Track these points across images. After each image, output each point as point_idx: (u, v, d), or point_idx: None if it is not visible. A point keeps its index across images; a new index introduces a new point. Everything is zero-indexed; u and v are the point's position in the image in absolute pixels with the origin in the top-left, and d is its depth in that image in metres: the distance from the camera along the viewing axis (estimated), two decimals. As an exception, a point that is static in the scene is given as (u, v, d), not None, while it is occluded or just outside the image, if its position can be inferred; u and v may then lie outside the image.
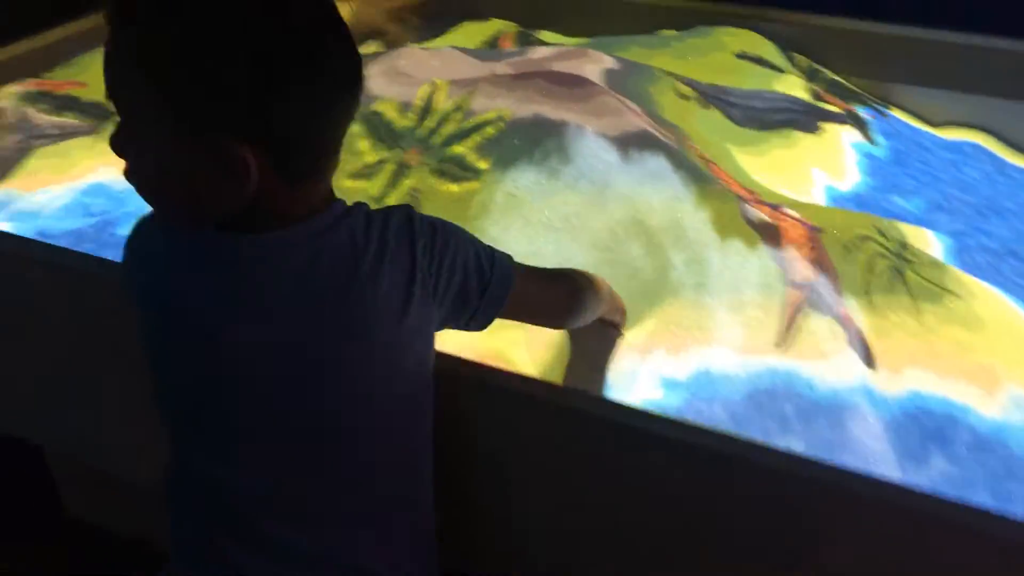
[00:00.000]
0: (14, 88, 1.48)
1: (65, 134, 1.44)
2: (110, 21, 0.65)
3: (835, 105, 1.62)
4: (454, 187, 1.16)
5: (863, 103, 1.66)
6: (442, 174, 1.18)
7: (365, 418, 0.75)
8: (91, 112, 1.51)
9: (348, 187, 1.22)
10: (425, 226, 0.76)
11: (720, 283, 1.07)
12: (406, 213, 0.76)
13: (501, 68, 1.34)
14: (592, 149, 1.16)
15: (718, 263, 1.09)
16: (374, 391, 0.75)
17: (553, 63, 1.34)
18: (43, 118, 1.45)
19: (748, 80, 1.57)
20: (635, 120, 1.20)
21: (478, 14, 1.94)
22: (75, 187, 1.38)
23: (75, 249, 1.10)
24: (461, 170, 1.18)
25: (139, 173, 0.69)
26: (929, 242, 1.26)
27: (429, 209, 1.15)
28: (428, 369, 0.78)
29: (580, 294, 0.92)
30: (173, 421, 0.78)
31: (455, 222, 0.99)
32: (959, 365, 1.03)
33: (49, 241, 1.18)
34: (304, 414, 0.73)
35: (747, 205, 1.15)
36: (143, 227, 0.77)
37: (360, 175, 1.23)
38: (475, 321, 0.81)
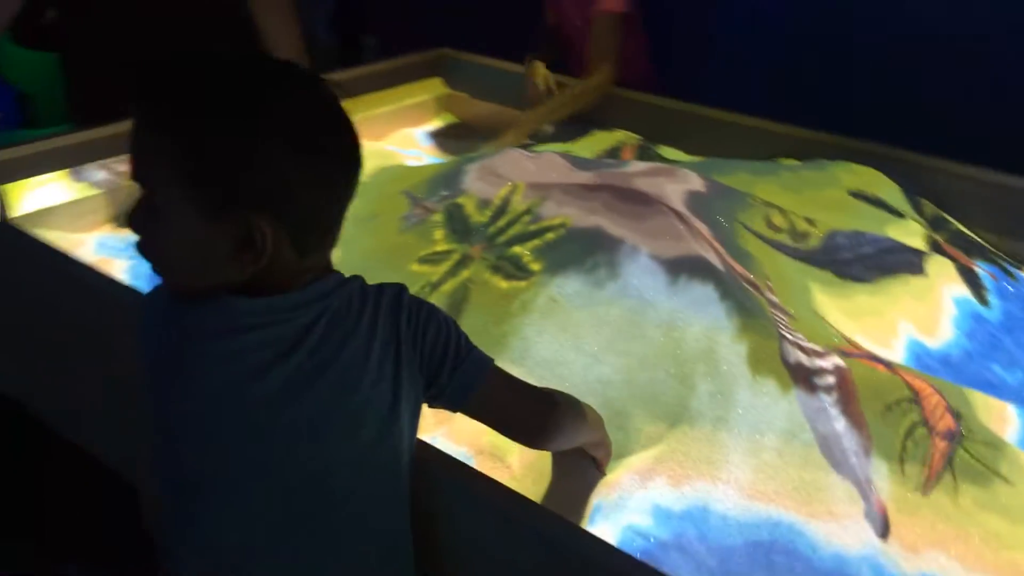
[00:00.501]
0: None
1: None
2: (138, 107, 0.73)
3: (953, 257, 1.53)
4: (504, 284, 1.21)
5: (990, 260, 1.56)
6: (496, 270, 1.23)
7: (351, 477, 0.80)
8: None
9: (414, 270, 1.30)
10: (413, 303, 0.82)
11: (741, 421, 1.04)
12: (398, 289, 0.83)
13: (586, 178, 1.39)
14: (641, 268, 1.18)
15: (744, 400, 1.06)
16: (362, 448, 0.79)
17: (638, 179, 1.37)
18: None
19: (858, 220, 1.52)
20: (693, 245, 1.21)
21: (610, 124, 2.01)
22: None
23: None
24: (515, 269, 1.22)
25: (155, 247, 0.75)
26: (1006, 419, 1.16)
27: (476, 301, 1.21)
28: (410, 437, 0.83)
29: (557, 416, 0.91)
30: (174, 484, 0.82)
31: (497, 317, 1.09)
32: (990, 559, 0.93)
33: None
34: (300, 470, 0.78)
35: (790, 346, 1.11)
36: (154, 297, 0.82)
37: (427, 260, 1.30)
38: (441, 400, 0.84)
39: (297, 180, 0.72)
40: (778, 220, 1.45)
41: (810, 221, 1.47)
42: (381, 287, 0.82)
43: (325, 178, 0.75)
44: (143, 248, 0.76)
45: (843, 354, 1.15)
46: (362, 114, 2.05)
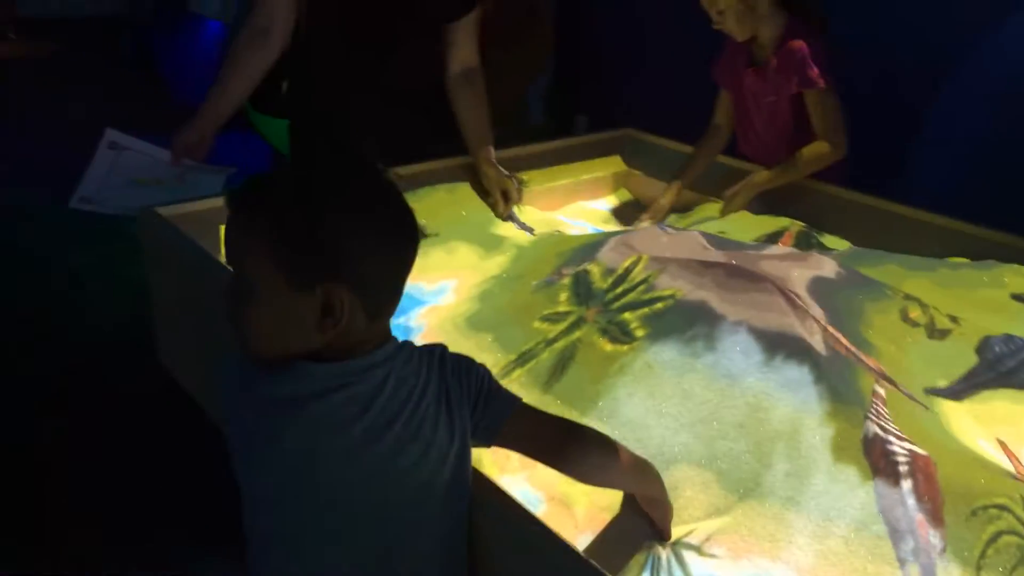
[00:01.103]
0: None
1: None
2: (233, 206, 0.87)
3: None
4: (608, 346, 1.28)
5: None
6: (604, 333, 1.31)
7: (422, 509, 0.92)
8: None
9: (535, 327, 1.41)
10: (453, 358, 0.97)
11: (812, 504, 1.04)
12: (441, 349, 0.97)
13: (714, 256, 1.44)
14: (738, 344, 1.21)
15: (819, 484, 1.05)
16: (431, 486, 0.91)
17: (766, 261, 1.40)
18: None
19: (1012, 324, 1.44)
20: (796, 326, 1.22)
21: (783, 209, 2.01)
22: None
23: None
24: (621, 333, 1.30)
25: (247, 319, 0.87)
26: None
27: (580, 359, 1.29)
28: (466, 468, 0.95)
29: (582, 443, 0.98)
30: (265, 535, 0.94)
31: (595, 376, 1.20)
32: None
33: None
34: (375, 514, 0.90)
35: (877, 437, 1.09)
36: (231, 369, 0.93)
37: (548, 319, 1.41)
38: (477, 433, 0.95)
39: (366, 254, 0.86)
40: (916, 314, 1.41)
41: (954, 319, 1.41)
42: (430, 349, 0.96)
43: (390, 250, 0.89)
44: (235, 320, 0.88)
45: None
46: (543, 185, 2.22)
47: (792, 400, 1.14)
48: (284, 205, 0.85)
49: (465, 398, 0.94)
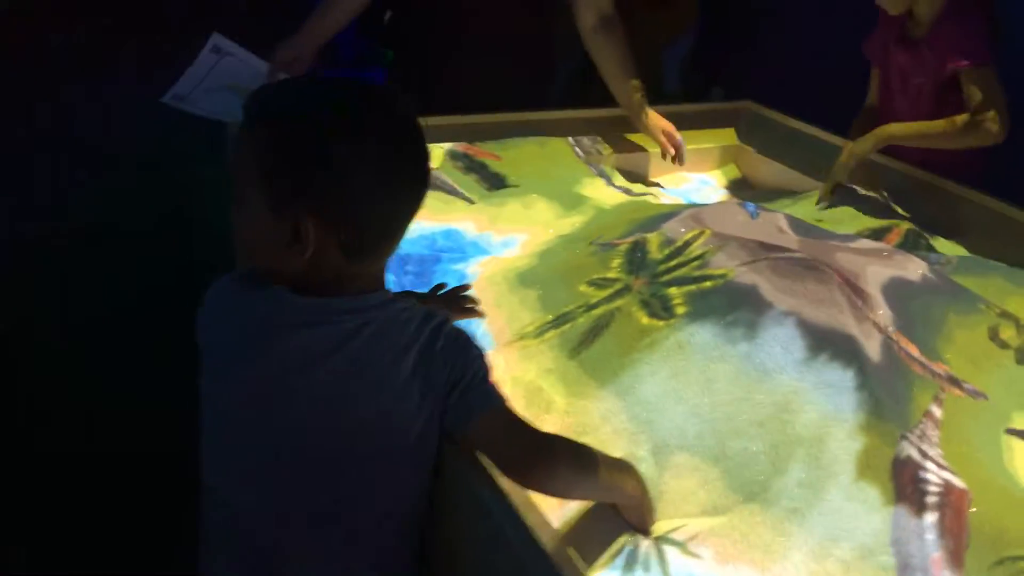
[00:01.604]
0: (448, 145, 1.92)
1: (455, 190, 1.80)
2: (247, 123, 0.86)
3: None
4: (645, 320, 1.21)
5: None
6: (645, 305, 1.24)
7: (374, 470, 0.90)
8: (487, 179, 1.86)
9: (581, 290, 1.35)
10: (451, 333, 0.91)
11: (818, 520, 0.94)
12: (441, 319, 0.92)
13: (789, 241, 1.33)
14: (780, 337, 1.11)
15: (832, 501, 0.96)
16: (389, 450, 0.89)
17: (843, 253, 1.28)
18: (448, 170, 1.85)
19: None
20: (850, 325, 1.10)
21: (901, 206, 1.84)
22: (437, 226, 1.73)
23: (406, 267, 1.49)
24: (661, 308, 1.22)
25: (238, 229, 0.88)
26: None
27: (614, 329, 1.22)
28: (428, 445, 0.91)
29: (552, 462, 0.90)
30: (215, 456, 0.93)
31: (624, 349, 1.14)
32: None
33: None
34: (326, 461, 0.89)
35: (911, 461, 0.97)
36: (220, 287, 0.93)
37: (595, 283, 1.34)
38: (451, 420, 0.90)
39: (352, 191, 0.82)
40: (1008, 334, 1.25)
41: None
42: (429, 314, 0.91)
43: (383, 194, 0.85)
44: (236, 236, 0.89)
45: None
46: (648, 151, 2.13)
47: (825, 405, 1.03)
48: (278, 125, 0.84)
49: (443, 378, 0.89)
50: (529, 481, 0.88)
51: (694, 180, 2.23)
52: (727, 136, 2.32)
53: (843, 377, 1.06)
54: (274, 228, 0.83)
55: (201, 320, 0.94)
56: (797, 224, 1.45)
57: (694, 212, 1.46)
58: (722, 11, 3.93)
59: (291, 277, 0.87)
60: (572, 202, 1.82)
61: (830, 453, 0.99)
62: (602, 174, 1.96)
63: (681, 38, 3.81)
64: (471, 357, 0.91)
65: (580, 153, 2.00)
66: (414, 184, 0.88)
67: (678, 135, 1.97)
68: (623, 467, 0.97)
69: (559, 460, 0.90)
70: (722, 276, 1.22)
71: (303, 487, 0.89)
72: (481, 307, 1.33)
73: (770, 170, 2.15)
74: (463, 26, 2.08)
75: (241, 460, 0.90)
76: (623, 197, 1.88)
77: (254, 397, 0.88)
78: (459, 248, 1.67)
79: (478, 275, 1.54)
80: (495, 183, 1.86)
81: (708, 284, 1.22)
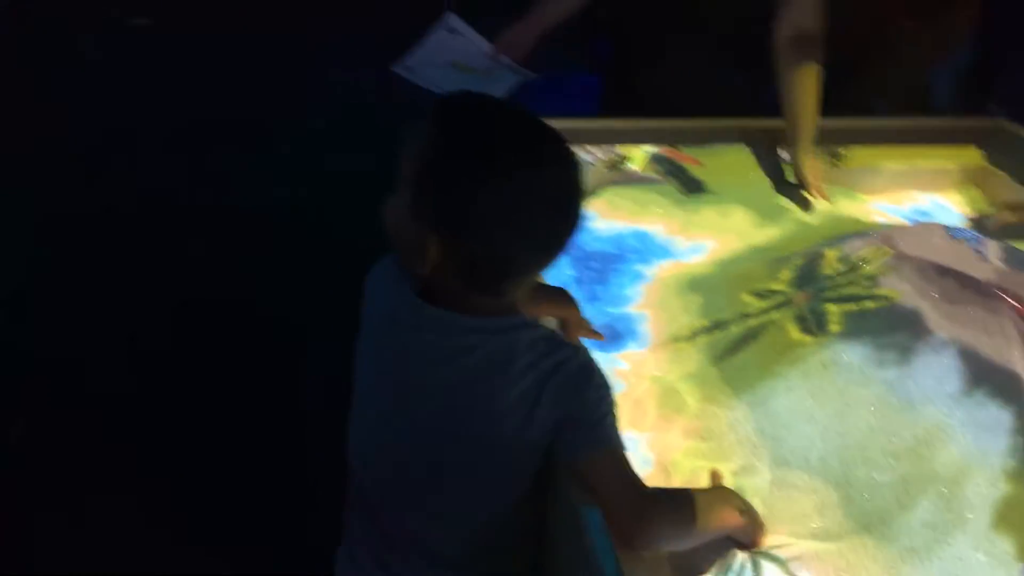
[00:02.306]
0: (650, 147, 1.93)
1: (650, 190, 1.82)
2: (427, 119, 0.87)
3: None
4: (795, 334, 1.17)
5: None
6: (800, 320, 1.19)
7: (455, 473, 0.94)
8: (686, 184, 1.85)
9: (742, 298, 1.33)
10: (573, 368, 0.90)
11: (937, 565, 0.87)
12: (567, 355, 0.90)
13: (982, 269, 1.21)
14: (935, 367, 1.02)
15: (957, 547, 0.88)
16: (469, 460, 0.93)
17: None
18: (647, 173, 1.87)
19: None
20: (1019, 363, 0.99)
21: None
22: (627, 227, 1.76)
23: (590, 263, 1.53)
24: (815, 325, 1.17)
25: (386, 221, 0.89)
26: None
27: (764, 341, 1.20)
28: (523, 468, 0.93)
29: (649, 531, 0.86)
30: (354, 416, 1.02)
31: (767, 362, 1.13)
32: None
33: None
34: (419, 450, 0.94)
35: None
36: (386, 261, 0.97)
37: (758, 294, 1.31)
38: (557, 450, 0.91)
39: (479, 231, 0.83)
40: None
41: None
42: (557, 346, 0.91)
43: (509, 243, 0.85)
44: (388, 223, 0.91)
45: None
46: (868, 166, 2.01)
47: (971, 445, 0.95)
48: (444, 136, 0.85)
49: (556, 412, 0.89)
50: (627, 542, 0.85)
51: (926, 201, 2.06)
52: (969, 156, 2.11)
53: (999, 417, 0.96)
54: (409, 230, 0.85)
55: (366, 287, 1.00)
56: (1015, 256, 1.30)
57: (887, 231, 1.37)
58: (1008, 18, 3.55)
59: (424, 280, 0.90)
60: (772, 213, 1.77)
61: (965, 497, 0.91)
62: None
63: (953, 53, 3.49)
64: (590, 396, 0.90)
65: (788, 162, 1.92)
66: (546, 242, 0.88)
67: (827, 195, 1.81)
68: (722, 501, 0.93)
69: (657, 525, 0.86)
70: (886, 297, 1.15)
71: (405, 472, 0.97)
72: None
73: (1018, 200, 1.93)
74: (688, 25, 2.08)
75: (364, 430, 1.01)
76: (831, 212, 1.79)
77: (378, 378, 0.97)
78: (646, 250, 1.69)
79: (653, 277, 1.56)
80: (693, 188, 1.86)
81: (870, 304, 1.15)
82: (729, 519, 0.92)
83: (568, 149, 0.89)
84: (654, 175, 1.90)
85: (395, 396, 0.94)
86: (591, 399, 0.90)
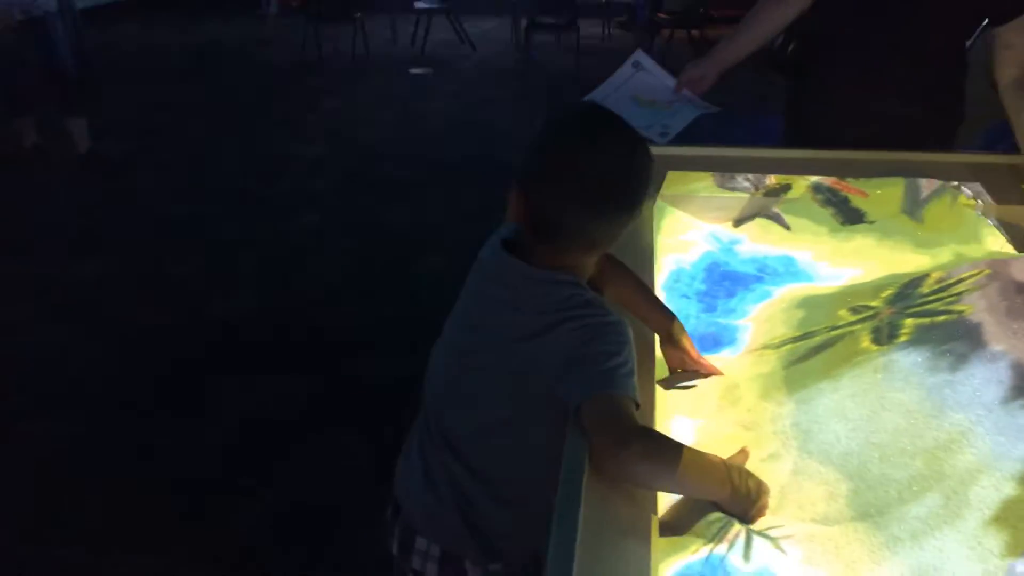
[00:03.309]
0: (815, 177, 1.94)
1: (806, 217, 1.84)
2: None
3: None
4: (865, 343, 1.19)
5: None
6: (875, 331, 1.21)
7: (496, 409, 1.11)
8: (845, 214, 1.84)
9: (840, 314, 1.35)
10: (593, 324, 1.04)
11: (918, 554, 0.88)
12: (598, 313, 1.05)
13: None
14: (980, 375, 1.01)
15: (944, 540, 0.88)
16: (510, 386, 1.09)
17: None
18: (806, 201, 1.89)
19: None
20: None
21: None
22: (775, 251, 1.78)
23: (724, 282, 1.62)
24: (887, 336, 1.18)
25: None
26: None
27: (836, 349, 1.23)
28: (531, 405, 1.07)
29: (621, 462, 0.92)
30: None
31: (831, 367, 1.18)
32: None
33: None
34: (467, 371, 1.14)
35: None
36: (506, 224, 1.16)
37: (854, 309, 1.33)
38: (563, 389, 1.02)
39: (545, 190, 1.03)
40: None
41: None
42: (589, 305, 1.06)
43: (564, 203, 1.03)
44: None
45: None
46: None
47: (990, 450, 0.94)
48: (555, 117, 1.09)
49: (564, 346, 1.02)
50: (603, 467, 0.92)
51: None
52: None
53: (1026, 428, 0.93)
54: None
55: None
56: None
57: (1005, 260, 1.32)
58: None
59: (516, 233, 1.12)
60: (928, 245, 1.72)
61: (965, 494, 0.90)
62: (980, 224, 1.79)
63: None
64: (602, 348, 1.01)
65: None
66: (592, 210, 1.03)
67: None
68: (714, 468, 0.99)
69: (640, 459, 0.93)
70: (959, 312, 1.13)
71: (451, 375, 1.15)
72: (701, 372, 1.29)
73: None
74: (868, 62, 2.08)
75: (438, 352, 1.21)
76: (992, 248, 1.71)
77: (460, 304, 1.17)
78: (787, 274, 1.72)
79: (777, 295, 1.59)
80: (852, 218, 1.85)
81: (942, 318, 1.14)
82: (711, 483, 0.98)
83: (633, 144, 1.06)
84: (812, 203, 1.91)
85: (463, 313, 1.14)
86: (602, 350, 1.01)
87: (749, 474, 1.02)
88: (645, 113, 2.19)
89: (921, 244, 1.71)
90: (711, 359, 1.33)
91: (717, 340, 1.44)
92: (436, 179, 4.97)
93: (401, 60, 8.16)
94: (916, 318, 1.19)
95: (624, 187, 1.05)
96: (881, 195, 1.89)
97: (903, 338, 1.15)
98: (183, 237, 4.29)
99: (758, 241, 1.85)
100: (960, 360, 1.05)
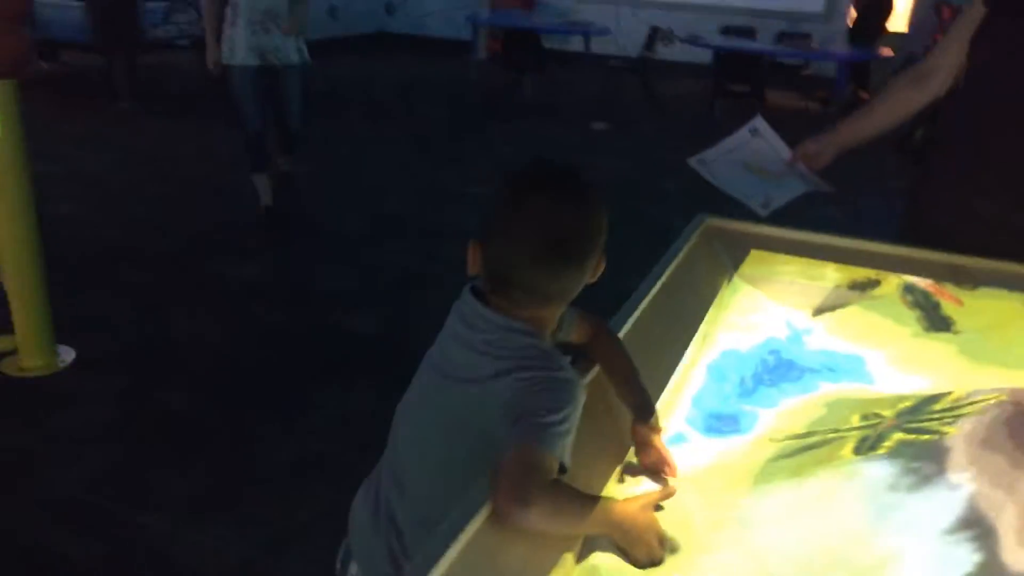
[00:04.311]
0: (911, 278, 1.83)
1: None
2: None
3: None
4: (845, 451, 1.14)
5: None
6: (863, 441, 1.16)
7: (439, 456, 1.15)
8: (931, 320, 1.74)
9: (851, 419, 1.29)
10: (543, 377, 1.05)
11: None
12: (551, 366, 1.07)
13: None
14: (937, 506, 0.95)
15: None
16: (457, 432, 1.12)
17: None
18: (892, 299, 1.80)
19: None
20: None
21: None
22: (848, 346, 1.70)
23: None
24: (869, 447, 1.13)
25: None
26: None
27: (817, 452, 1.18)
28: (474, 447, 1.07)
29: (518, 514, 0.93)
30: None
31: (802, 467, 1.16)
32: None
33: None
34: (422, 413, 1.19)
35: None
36: None
37: (865, 416, 1.28)
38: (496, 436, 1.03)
39: (494, 243, 1.08)
40: None
41: None
42: (544, 357, 1.08)
43: (511, 255, 1.07)
44: None
45: None
46: None
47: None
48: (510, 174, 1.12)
49: (509, 394, 1.04)
50: (498, 513, 0.93)
51: None
52: None
53: (962, 560, 0.87)
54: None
55: None
56: None
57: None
58: None
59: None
60: (1010, 365, 1.59)
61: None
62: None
63: None
64: (546, 403, 1.02)
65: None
66: (542, 266, 1.06)
67: None
68: (602, 519, 1.01)
69: (531, 517, 0.93)
70: (943, 433, 1.06)
71: (407, 411, 1.21)
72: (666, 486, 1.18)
73: None
74: (994, 162, 1.96)
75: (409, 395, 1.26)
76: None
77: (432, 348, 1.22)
78: (849, 372, 1.64)
79: (819, 392, 1.53)
80: (937, 325, 1.75)
81: (926, 437, 1.08)
82: (599, 530, 1.01)
83: (584, 199, 1.09)
84: (900, 303, 1.82)
85: (436, 350, 1.19)
86: (542, 405, 1.02)
87: (647, 519, 1.03)
88: (753, 181, 2.14)
89: (1002, 363, 1.58)
90: (716, 442, 1.31)
91: (734, 423, 1.41)
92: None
93: (585, 113, 8.35)
94: (905, 433, 1.12)
95: (574, 243, 1.06)
96: (977, 306, 1.77)
97: (882, 450, 1.10)
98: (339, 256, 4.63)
99: (834, 334, 1.78)
100: (923, 482, 0.99)
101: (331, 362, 3.47)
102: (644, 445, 1.22)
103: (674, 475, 1.20)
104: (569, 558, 0.99)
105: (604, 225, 1.10)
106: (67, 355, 3.35)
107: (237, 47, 4.40)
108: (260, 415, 3.08)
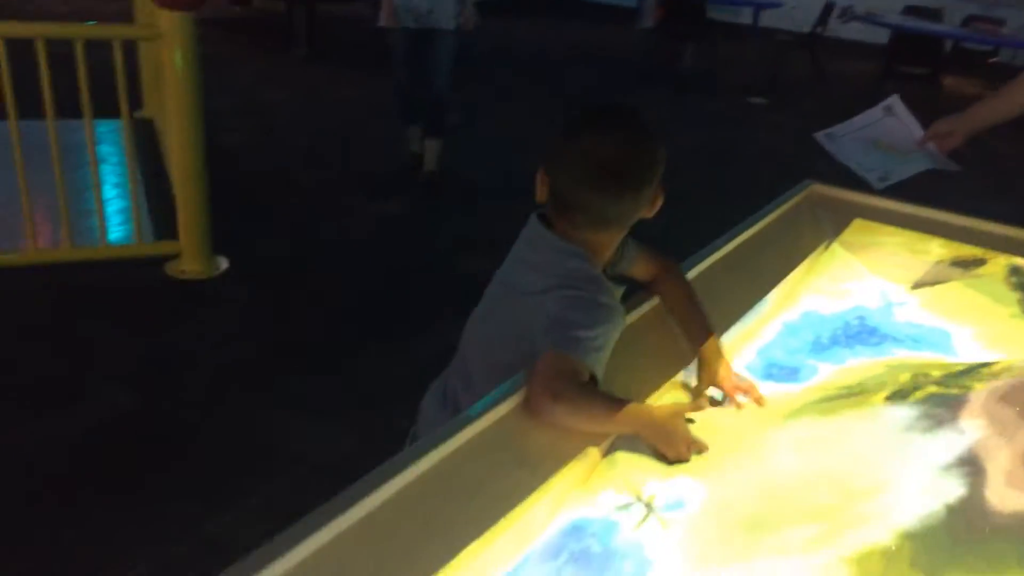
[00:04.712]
0: (1021, 259, 1.79)
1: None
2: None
3: None
4: (879, 396, 1.18)
5: None
6: (895, 392, 1.20)
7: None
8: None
9: (901, 377, 1.31)
10: (581, 296, 1.17)
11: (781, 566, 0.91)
12: (591, 288, 1.18)
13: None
14: (942, 446, 0.99)
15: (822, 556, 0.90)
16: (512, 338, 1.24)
17: None
18: (997, 279, 1.77)
19: None
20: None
21: None
22: (942, 321, 1.68)
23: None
24: (903, 395, 1.17)
25: None
26: None
27: (855, 398, 1.22)
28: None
29: (548, 407, 1.04)
30: None
31: (839, 406, 1.22)
32: None
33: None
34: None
35: None
36: None
37: (915, 375, 1.30)
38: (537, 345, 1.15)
39: (559, 170, 1.19)
40: None
41: None
42: (586, 280, 1.19)
43: (573, 183, 1.18)
44: None
45: None
46: None
47: (903, 507, 0.93)
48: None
49: (549, 308, 1.16)
50: (532, 414, 1.06)
51: None
52: None
53: (953, 491, 0.92)
54: None
55: None
56: None
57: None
58: None
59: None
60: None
61: (851, 532, 0.91)
62: None
63: None
64: (582, 318, 1.13)
65: None
66: (598, 194, 1.17)
67: None
68: (629, 418, 1.09)
69: (559, 412, 1.05)
70: (971, 389, 1.09)
71: (476, 318, 1.35)
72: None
73: None
74: None
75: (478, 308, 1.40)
76: None
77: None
78: (932, 345, 1.63)
79: (891, 357, 1.55)
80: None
81: (955, 391, 1.11)
82: (627, 429, 1.09)
83: (636, 134, 1.19)
84: (1003, 284, 1.79)
85: (503, 267, 1.32)
86: (579, 321, 1.13)
87: (677, 422, 1.11)
88: (877, 157, 2.13)
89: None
90: (768, 385, 1.36)
91: (793, 373, 1.46)
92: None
93: (745, 87, 8.15)
94: (938, 386, 1.15)
95: (628, 171, 1.16)
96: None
97: (912, 399, 1.13)
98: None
99: (927, 308, 1.76)
100: (935, 425, 1.03)
101: (449, 296, 3.68)
102: (710, 375, 1.29)
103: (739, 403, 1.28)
104: (595, 451, 1.09)
105: (658, 158, 1.20)
106: (222, 264, 3.74)
107: (398, 8, 4.60)
108: (381, 335, 3.36)
